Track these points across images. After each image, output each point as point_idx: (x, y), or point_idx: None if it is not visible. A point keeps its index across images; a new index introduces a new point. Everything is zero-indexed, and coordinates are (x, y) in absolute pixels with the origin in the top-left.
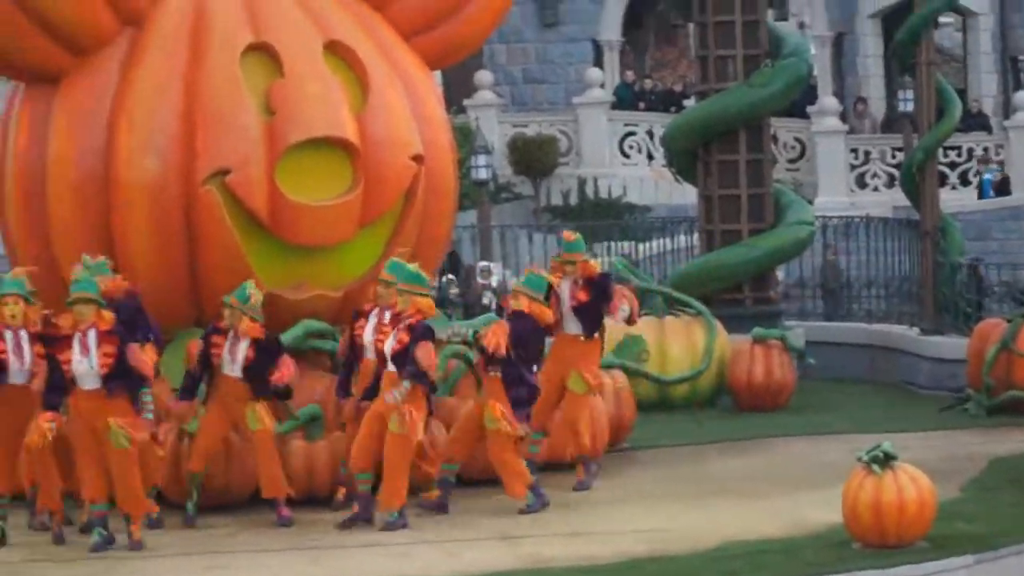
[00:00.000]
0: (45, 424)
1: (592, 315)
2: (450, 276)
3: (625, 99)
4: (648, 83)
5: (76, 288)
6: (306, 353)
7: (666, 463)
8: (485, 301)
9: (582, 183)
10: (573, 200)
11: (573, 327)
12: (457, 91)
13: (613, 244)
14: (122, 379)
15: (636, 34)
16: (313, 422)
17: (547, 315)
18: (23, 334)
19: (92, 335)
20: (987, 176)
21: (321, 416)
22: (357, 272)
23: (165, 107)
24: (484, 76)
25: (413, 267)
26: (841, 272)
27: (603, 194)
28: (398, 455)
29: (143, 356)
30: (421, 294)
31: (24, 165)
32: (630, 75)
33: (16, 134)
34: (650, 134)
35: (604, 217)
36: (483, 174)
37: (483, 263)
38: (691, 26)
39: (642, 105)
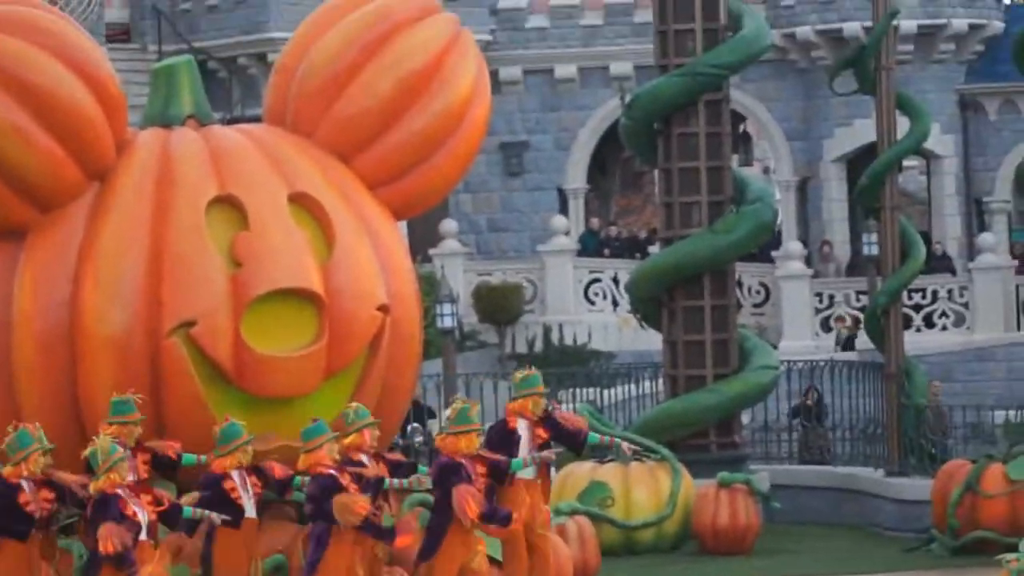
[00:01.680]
0: None
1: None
2: (414, 424)
3: (590, 246)
4: (613, 230)
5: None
6: (269, 505)
7: None
8: None
9: (547, 330)
10: (539, 347)
11: (530, 472)
12: (422, 240)
13: (578, 391)
14: None
15: (601, 181)
16: (277, 573)
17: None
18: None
19: None
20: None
21: (285, 566)
22: None
23: (131, 259)
24: (449, 225)
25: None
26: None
27: (568, 341)
28: None
29: None
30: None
31: None
32: (595, 222)
33: None
34: (615, 280)
35: (569, 364)
36: (448, 322)
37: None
38: (656, 172)
39: (607, 252)
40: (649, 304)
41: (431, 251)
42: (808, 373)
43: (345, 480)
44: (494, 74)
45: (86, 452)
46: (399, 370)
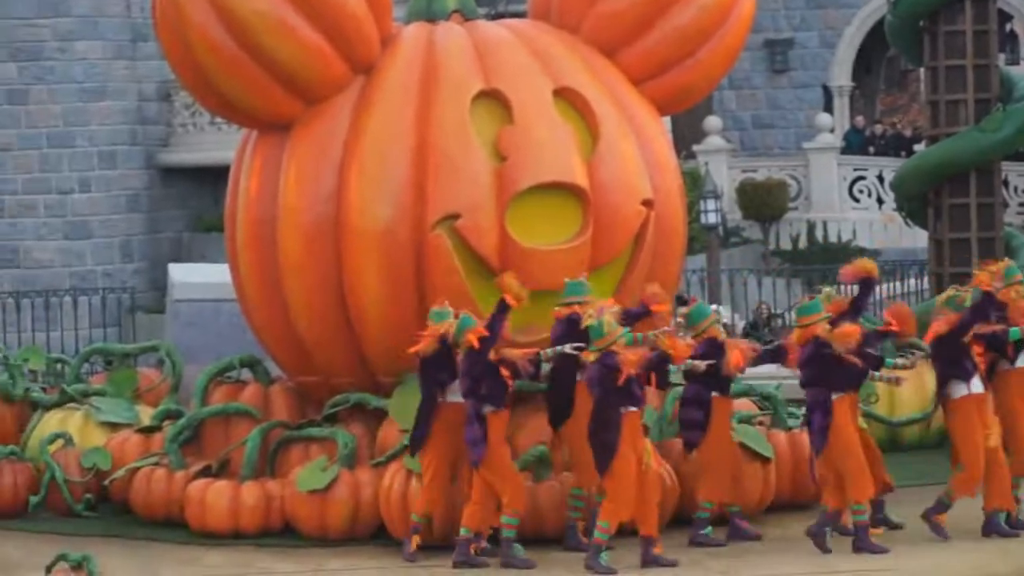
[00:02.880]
0: None
1: None
2: (679, 319)
3: (855, 144)
4: (878, 128)
5: None
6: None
7: (896, 505)
8: None
9: (811, 227)
10: (802, 244)
11: None
12: (686, 136)
13: (842, 288)
14: None
15: (866, 79)
16: (540, 462)
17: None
18: None
19: None
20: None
21: (548, 457)
22: None
23: (395, 153)
24: (713, 121)
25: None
26: None
27: (832, 238)
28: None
29: None
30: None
31: (255, 212)
32: (860, 120)
33: (247, 181)
34: (880, 178)
35: (833, 261)
36: (712, 219)
37: (712, 306)
38: (921, 71)
39: (872, 150)
40: (914, 202)
41: (695, 147)
42: None
43: None
44: None
45: (588, 323)
46: (664, 264)
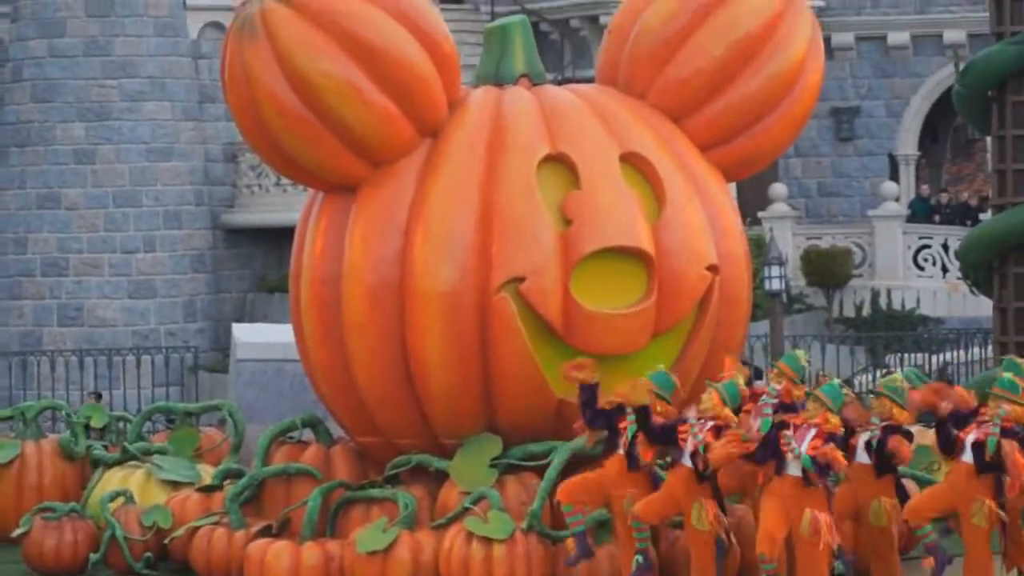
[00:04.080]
0: None
1: None
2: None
3: (920, 212)
4: (944, 197)
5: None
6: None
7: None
8: None
9: (875, 295)
10: (866, 312)
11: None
12: (752, 203)
13: (906, 356)
14: None
15: (932, 148)
16: (600, 527)
17: None
18: None
19: None
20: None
21: (608, 521)
22: None
23: (461, 215)
24: (779, 188)
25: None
26: None
27: (896, 306)
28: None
29: None
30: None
31: (320, 271)
32: (926, 189)
33: (313, 241)
34: (945, 247)
35: (897, 329)
36: (776, 285)
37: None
38: (988, 140)
39: (937, 219)
40: (979, 270)
41: (760, 214)
42: None
43: None
44: (827, 39)
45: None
46: (727, 330)
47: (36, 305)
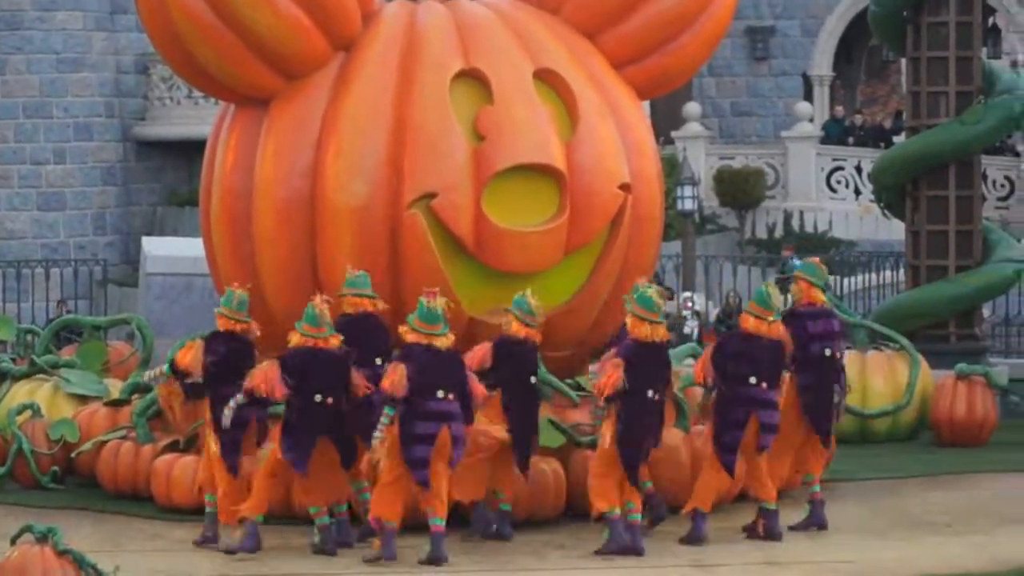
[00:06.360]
0: None
1: None
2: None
3: (834, 134)
4: (858, 118)
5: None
6: None
7: (865, 497)
8: (687, 330)
9: (788, 216)
10: (778, 233)
11: None
12: (665, 122)
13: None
14: None
15: (847, 69)
16: None
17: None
18: None
19: None
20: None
21: None
22: (560, 299)
23: (374, 130)
24: (693, 108)
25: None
26: None
27: (808, 228)
28: None
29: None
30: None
31: (230, 185)
32: (840, 110)
33: (224, 154)
34: (858, 169)
35: (809, 251)
36: (689, 205)
37: (686, 293)
38: (903, 62)
39: (851, 140)
40: (893, 193)
41: (673, 133)
42: None
43: None
44: None
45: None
46: (639, 249)
47: None
